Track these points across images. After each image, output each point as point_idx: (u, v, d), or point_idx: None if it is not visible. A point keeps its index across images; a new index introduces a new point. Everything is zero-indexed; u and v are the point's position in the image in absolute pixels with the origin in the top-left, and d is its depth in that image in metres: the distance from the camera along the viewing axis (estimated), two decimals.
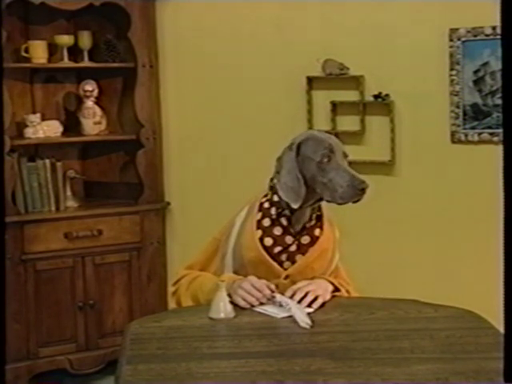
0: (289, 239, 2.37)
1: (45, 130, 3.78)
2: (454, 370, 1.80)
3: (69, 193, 3.84)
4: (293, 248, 2.37)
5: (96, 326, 3.76)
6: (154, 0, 3.85)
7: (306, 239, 2.38)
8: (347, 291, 2.45)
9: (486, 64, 3.40)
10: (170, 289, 2.56)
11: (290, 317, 2.17)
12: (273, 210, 2.38)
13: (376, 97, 3.58)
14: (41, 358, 3.68)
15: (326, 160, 2.27)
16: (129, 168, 3.96)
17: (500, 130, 3.33)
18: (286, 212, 2.36)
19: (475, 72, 3.42)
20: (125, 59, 3.83)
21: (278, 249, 2.36)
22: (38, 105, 3.92)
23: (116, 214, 3.79)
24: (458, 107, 3.47)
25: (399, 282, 3.58)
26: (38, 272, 3.64)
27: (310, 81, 3.69)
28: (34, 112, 3.84)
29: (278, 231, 2.37)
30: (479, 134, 3.46)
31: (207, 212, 3.88)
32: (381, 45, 3.58)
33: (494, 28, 3.33)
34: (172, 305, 2.59)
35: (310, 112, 3.71)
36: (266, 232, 2.37)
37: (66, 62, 3.81)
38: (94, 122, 3.87)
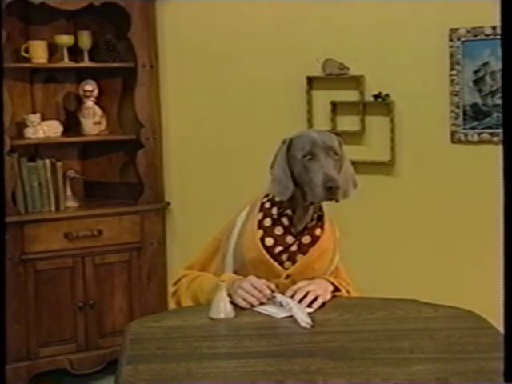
0: (290, 239, 2.37)
1: (45, 130, 3.78)
2: (454, 370, 1.80)
3: (69, 193, 3.85)
4: (293, 248, 2.37)
5: (96, 326, 3.76)
6: (154, 0, 3.86)
7: (306, 239, 2.38)
8: (347, 291, 2.45)
9: (486, 64, 3.40)
10: (170, 289, 2.56)
11: (290, 317, 2.17)
12: (274, 210, 2.38)
13: (376, 97, 3.58)
14: (41, 358, 3.68)
15: (307, 158, 2.28)
16: (129, 168, 3.96)
17: (500, 130, 3.33)
18: (288, 212, 2.36)
19: (475, 72, 3.42)
20: (125, 59, 3.83)
21: (278, 249, 2.36)
22: (38, 105, 3.92)
23: (116, 214, 3.79)
24: (457, 107, 3.47)
25: (399, 282, 3.58)
26: (38, 272, 3.64)
27: (310, 81, 3.69)
28: (34, 112, 3.84)
29: (278, 231, 2.37)
30: (479, 134, 3.46)
31: (207, 212, 3.88)
32: (381, 45, 3.58)
33: (494, 28, 3.33)
34: (172, 305, 2.59)
35: (309, 112, 3.71)
36: (267, 232, 2.37)
37: (66, 62, 3.81)
38: (93, 122, 3.87)
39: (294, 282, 2.33)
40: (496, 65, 3.36)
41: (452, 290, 3.40)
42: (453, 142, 3.51)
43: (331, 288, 2.37)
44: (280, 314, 2.20)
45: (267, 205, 2.40)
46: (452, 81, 3.47)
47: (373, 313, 2.23)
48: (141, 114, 3.80)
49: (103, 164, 4.04)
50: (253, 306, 2.24)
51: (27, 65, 3.75)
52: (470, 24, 3.39)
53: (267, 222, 2.38)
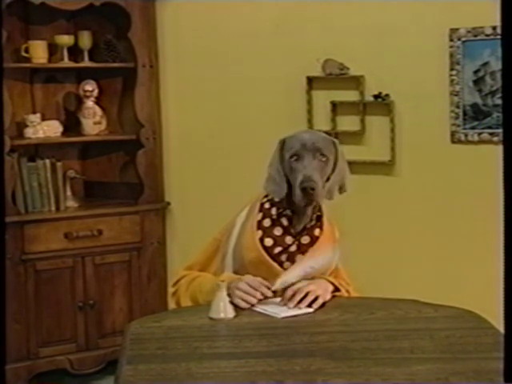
0: (289, 239, 2.37)
1: (45, 130, 3.78)
2: (454, 370, 1.80)
3: (69, 193, 3.85)
4: (293, 248, 2.37)
5: (96, 325, 3.76)
6: (154, 0, 3.86)
7: (305, 239, 2.38)
8: (347, 291, 2.45)
9: (486, 64, 3.40)
10: (170, 289, 2.56)
11: (290, 317, 2.17)
12: (273, 211, 2.38)
13: (376, 97, 3.58)
14: (41, 358, 3.68)
15: (294, 159, 2.30)
16: (129, 168, 3.96)
17: (500, 130, 3.33)
18: (287, 212, 2.36)
19: (475, 72, 3.42)
20: (125, 59, 3.83)
21: (278, 249, 2.36)
22: (38, 105, 3.92)
23: (116, 214, 3.79)
24: (458, 107, 3.47)
25: (399, 282, 3.58)
26: (38, 272, 3.64)
27: (310, 81, 3.69)
28: (34, 112, 3.84)
29: (278, 231, 2.37)
30: (479, 134, 3.46)
31: (207, 212, 3.88)
32: (381, 45, 3.58)
33: (494, 28, 3.33)
34: (172, 305, 2.59)
35: (310, 112, 3.71)
36: (267, 232, 2.37)
37: (66, 62, 3.81)
38: (94, 122, 3.87)
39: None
40: (496, 65, 3.36)
41: (452, 290, 3.39)
42: (453, 142, 3.51)
43: (331, 288, 2.37)
44: (280, 314, 2.20)
45: (267, 205, 2.40)
46: (452, 81, 3.47)
47: (373, 313, 2.23)
48: (141, 113, 3.80)
49: (103, 164, 4.04)
50: (252, 305, 2.24)
51: (27, 65, 3.75)
52: (470, 24, 3.39)
53: (266, 222, 2.38)
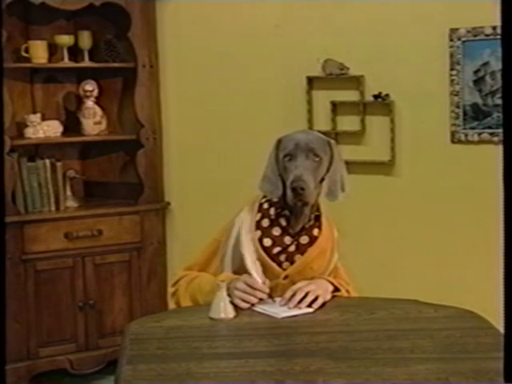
0: (288, 239, 2.37)
1: (45, 130, 3.78)
2: (454, 370, 1.80)
3: (69, 193, 3.84)
4: (292, 248, 2.37)
5: (96, 325, 3.76)
6: (154, 0, 3.85)
7: (304, 239, 2.38)
8: (347, 291, 2.45)
9: (486, 64, 3.40)
10: (170, 290, 2.56)
11: (290, 317, 2.17)
12: (272, 211, 2.38)
13: (376, 97, 3.58)
14: (41, 358, 3.68)
15: (287, 159, 2.30)
16: (129, 168, 3.96)
17: (500, 130, 3.33)
18: (286, 212, 2.36)
19: (475, 72, 3.42)
20: (125, 59, 3.82)
21: (277, 249, 2.37)
22: (38, 105, 3.92)
23: (116, 213, 3.79)
24: (458, 107, 3.47)
25: (399, 282, 3.58)
26: (38, 272, 3.64)
27: (310, 81, 3.69)
28: (34, 112, 3.84)
29: (276, 232, 2.37)
30: (479, 134, 3.46)
31: (207, 212, 3.87)
32: (381, 45, 3.58)
33: (494, 28, 3.33)
34: (172, 305, 2.59)
35: (310, 112, 3.71)
36: (265, 233, 2.37)
37: (66, 62, 3.81)
38: (94, 122, 3.87)
39: (293, 283, 2.33)
40: (496, 65, 3.36)
41: (452, 290, 3.40)
42: (453, 142, 3.51)
43: (331, 288, 2.37)
44: (280, 314, 2.20)
45: (265, 205, 2.40)
46: (452, 81, 3.47)
47: (373, 313, 2.23)
48: (141, 114, 3.80)
49: (103, 164, 4.04)
50: (252, 305, 2.24)
51: (27, 65, 3.75)
52: (470, 24, 3.39)
53: (265, 222, 2.38)
